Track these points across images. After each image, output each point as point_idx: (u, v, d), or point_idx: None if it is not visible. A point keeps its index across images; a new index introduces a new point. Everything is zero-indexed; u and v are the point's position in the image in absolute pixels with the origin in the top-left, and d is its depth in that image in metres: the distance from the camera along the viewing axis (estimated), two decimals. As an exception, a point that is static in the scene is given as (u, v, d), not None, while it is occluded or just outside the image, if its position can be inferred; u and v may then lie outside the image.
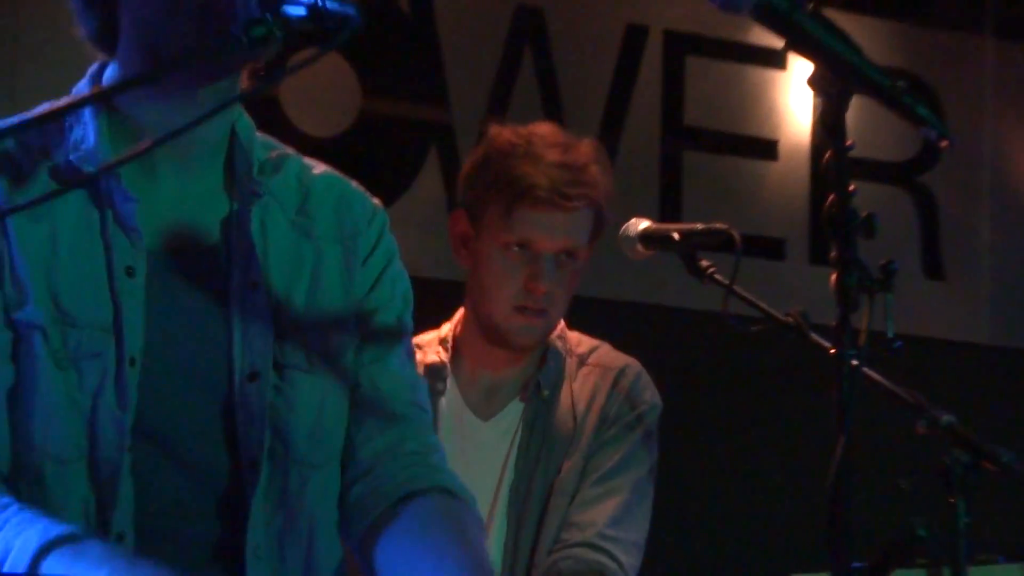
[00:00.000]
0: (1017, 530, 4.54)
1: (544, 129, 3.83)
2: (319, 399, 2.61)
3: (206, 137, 2.55)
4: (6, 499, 2.36)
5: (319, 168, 2.70)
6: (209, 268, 2.58)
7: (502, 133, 3.81)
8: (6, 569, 2.28)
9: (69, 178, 2.49)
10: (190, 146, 2.53)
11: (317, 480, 2.59)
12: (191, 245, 2.60)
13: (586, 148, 3.79)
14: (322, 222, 2.66)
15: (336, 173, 2.75)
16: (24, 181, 2.49)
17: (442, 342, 3.84)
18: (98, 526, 2.45)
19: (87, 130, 2.50)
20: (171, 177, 2.55)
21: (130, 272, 2.48)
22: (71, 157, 2.48)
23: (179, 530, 2.45)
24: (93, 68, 2.57)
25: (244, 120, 2.60)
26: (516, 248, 3.71)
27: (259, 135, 2.64)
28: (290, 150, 2.69)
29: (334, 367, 2.67)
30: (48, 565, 2.23)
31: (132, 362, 2.46)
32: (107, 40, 2.52)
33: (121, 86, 2.57)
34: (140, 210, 2.49)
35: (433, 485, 2.60)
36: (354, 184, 2.76)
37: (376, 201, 2.74)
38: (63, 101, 2.39)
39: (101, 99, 2.53)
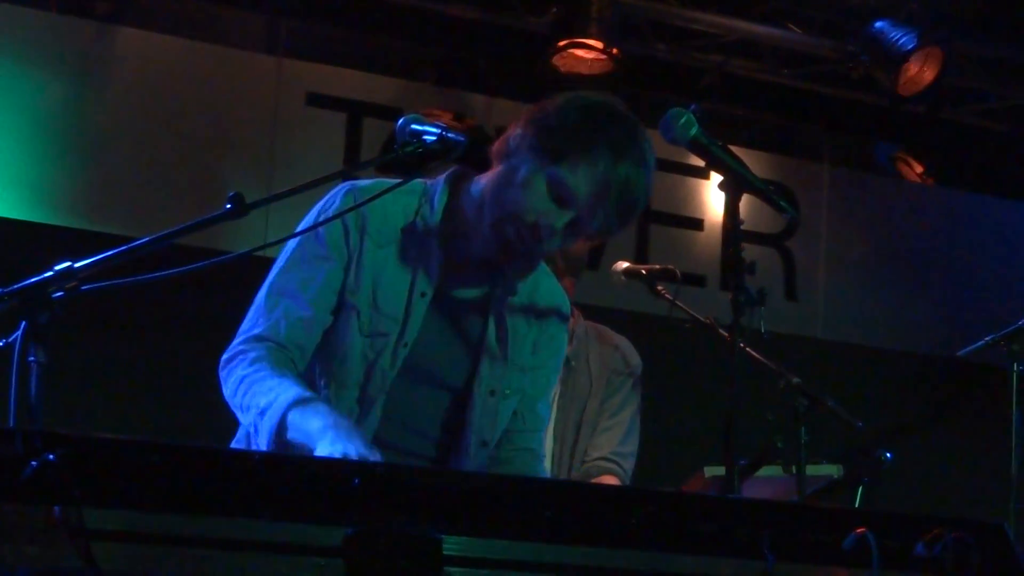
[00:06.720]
0: (834, 445, 4.51)
1: None
2: (500, 411, 2.88)
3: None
4: (291, 374, 2.61)
5: (544, 275, 2.94)
6: (470, 314, 2.80)
7: None
8: (269, 414, 2.50)
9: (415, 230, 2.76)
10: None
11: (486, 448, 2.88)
12: (462, 297, 2.79)
13: None
14: (540, 308, 2.92)
15: (553, 280, 2.95)
16: (384, 222, 2.73)
17: None
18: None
19: (435, 208, 2.76)
20: (462, 251, 2.77)
21: (423, 295, 2.73)
22: (417, 221, 2.76)
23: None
24: (453, 169, 2.77)
25: None
26: None
27: None
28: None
29: (512, 396, 2.90)
30: (293, 414, 2.48)
31: (406, 344, 2.71)
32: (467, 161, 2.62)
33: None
34: (441, 263, 2.76)
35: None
36: (559, 287, 2.98)
37: (565, 298, 2.96)
38: (425, 185, 2.67)
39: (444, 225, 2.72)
